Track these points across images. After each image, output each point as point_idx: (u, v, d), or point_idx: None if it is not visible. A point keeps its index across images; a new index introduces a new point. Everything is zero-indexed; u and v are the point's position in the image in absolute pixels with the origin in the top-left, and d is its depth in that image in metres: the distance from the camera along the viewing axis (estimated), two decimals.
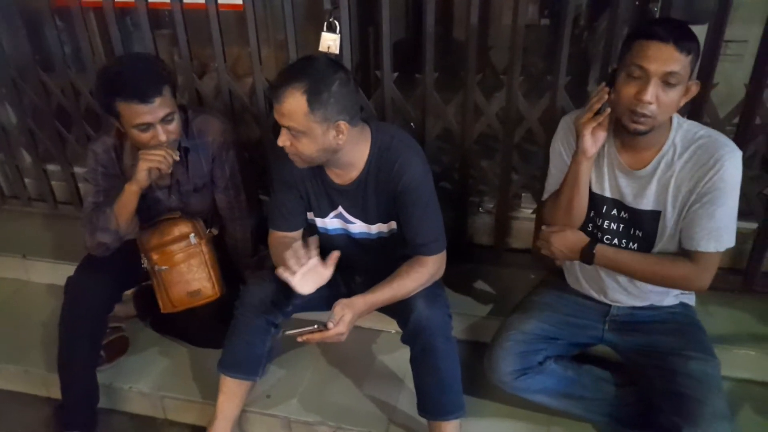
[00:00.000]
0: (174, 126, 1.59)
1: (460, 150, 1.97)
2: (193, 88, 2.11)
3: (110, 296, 1.74)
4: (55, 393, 1.78)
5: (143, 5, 2.02)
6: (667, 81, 1.22)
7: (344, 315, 1.38)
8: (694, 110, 1.67)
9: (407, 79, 1.94)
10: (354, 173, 1.50)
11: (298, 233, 1.65)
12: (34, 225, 2.55)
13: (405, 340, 1.52)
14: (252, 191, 1.92)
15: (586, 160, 1.39)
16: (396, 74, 1.90)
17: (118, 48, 2.12)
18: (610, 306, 1.57)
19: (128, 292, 1.97)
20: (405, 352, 1.54)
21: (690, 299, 1.59)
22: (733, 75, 1.78)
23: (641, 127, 1.28)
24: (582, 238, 1.47)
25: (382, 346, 1.94)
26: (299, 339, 1.38)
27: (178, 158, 1.63)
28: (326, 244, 1.64)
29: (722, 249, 1.35)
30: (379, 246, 1.61)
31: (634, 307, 1.55)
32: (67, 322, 1.68)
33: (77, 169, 2.46)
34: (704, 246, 1.35)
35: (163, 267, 1.76)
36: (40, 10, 2.14)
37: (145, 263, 1.79)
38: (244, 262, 1.94)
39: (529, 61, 1.87)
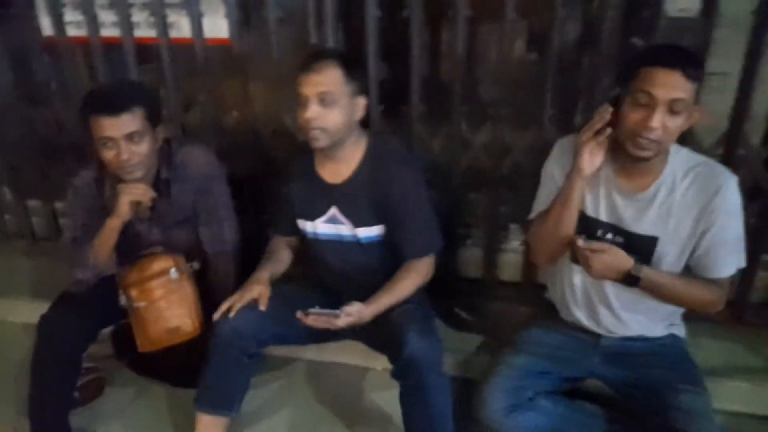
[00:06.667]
0: (142, 148, 1.56)
1: (447, 182, 1.96)
2: (178, 121, 2.11)
3: (85, 335, 1.67)
4: None
5: (130, 41, 2.02)
6: (672, 108, 1.23)
7: (361, 311, 1.45)
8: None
9: (394, 113, 1.95)
10: (346, 172, 1.56)
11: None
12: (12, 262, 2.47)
13: (396, 374, 1.47)
14: (240, 225, 1.87)
15: (581, 179, 1.37)
16: (382, 107, 1.92)
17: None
18: (600, 336, 1.54)
19: (105, 331, 1.89)
20: (393, 391, 1.48)
21: (680, 330, 1.56)
22: (716, 106, 1.79)
23: (646, 153, 1.29)
24: (627, 260, 1.36)
25: (369, 384, 1.88)
26: (309, 321, 1.42)
27: (153, 195, 1.62)
28: (316, 253, 1.68)
29: (734, 271, 1.40)
30: (367, 254, 1.61)
31: (624, 338, 1.52)
32: (38, 362, 1.61)
33: (58, 205, 2.42)
34: (725, 272, 1.38)
35: (142, 303, 1.70)
36: (26, 43, 2.14)
37: (123, 300, 1.73)
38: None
39: (517, 94, 1.89)
